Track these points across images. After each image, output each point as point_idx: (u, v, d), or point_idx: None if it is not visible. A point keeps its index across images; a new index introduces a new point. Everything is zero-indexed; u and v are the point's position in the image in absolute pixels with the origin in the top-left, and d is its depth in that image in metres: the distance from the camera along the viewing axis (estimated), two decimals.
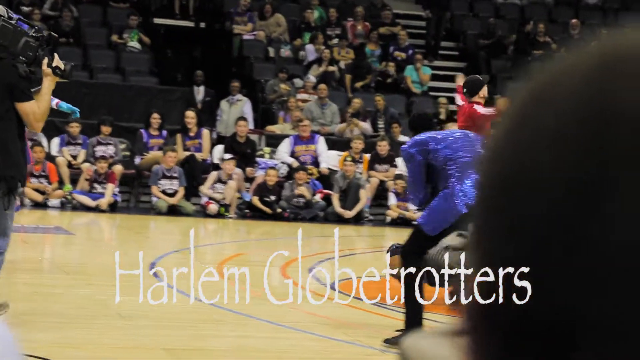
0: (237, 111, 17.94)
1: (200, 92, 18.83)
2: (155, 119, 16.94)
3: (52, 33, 5.76)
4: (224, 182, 15.90)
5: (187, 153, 16.59)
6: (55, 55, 5.73)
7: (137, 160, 16.78)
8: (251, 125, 17.79)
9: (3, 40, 5.40)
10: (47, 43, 5.59)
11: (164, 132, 17.04)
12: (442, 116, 18.35)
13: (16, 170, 5.55)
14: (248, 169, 16.40)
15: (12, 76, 5.50)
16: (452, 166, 6.65)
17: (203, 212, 15.77)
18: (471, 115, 9.60)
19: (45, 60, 5.60)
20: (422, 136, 6.77)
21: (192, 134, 16.87)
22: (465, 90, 9.86)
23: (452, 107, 18.66)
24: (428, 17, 22.14)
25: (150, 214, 15.62)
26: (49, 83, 5.63)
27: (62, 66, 5.65)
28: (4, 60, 5.53)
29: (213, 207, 15.63)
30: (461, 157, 6.67)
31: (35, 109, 5.53)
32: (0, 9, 5.61)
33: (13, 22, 5.50)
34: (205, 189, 15.80)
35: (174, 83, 20.00)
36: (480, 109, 9.76)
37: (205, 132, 17.00)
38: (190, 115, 16.90)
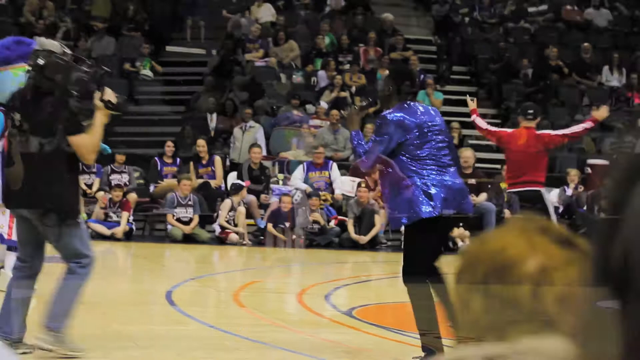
0: (250, 138, 17.99)
1: (213, 119, 18.89)
2: (169, 147, 17.01)
3: (104, 67, 6.00)
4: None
5: (201, 180, 16.63)
6: (107, 89, 5.89)
7: (152, 188, 16.83)
8: (264, 152, 17.83)
9: (55, 76, 5.56)
10: (101, 77, 5.79)
11: (178, 160, 17.09)
12: (455, 141, 18.34)
13: (62, 203, 5.74)
14: (262, 196, 16.42)
15: (64, 111, 5.68)
16: (416, 160, 6.43)
17: (218, 240, 15.78)
18: (550, 140, 9.69)
19: (97, 94, 5.77)
20: (408, 119, 6.46)
21: (204, 162, 16.92)
22: (531, 112, 9.95)
23: (466, 132, 18.68)
24: (438, 42, 22.19)
25: (165, 242, 15.64)
26: (100, 116, 5.81)
27: (114, 100, 5.80)
28: (55, 96, 5.69)
29: (233, 236, 15.62)
30: (425, 152, 6.43)
31: (88, 141, 5.72)
32: (54, 44, 5.78)
33: (66, 57, 5.65)
34: (222, 220, 15.77)
35: (186, 111, 20.07)
36: (553, 132, 9.94)
37: (217, 159, 17.05)
38: (202, 144, 16.96)
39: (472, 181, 14.59)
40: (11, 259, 7.92)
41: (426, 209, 6.34)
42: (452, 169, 6.58)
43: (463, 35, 22.37)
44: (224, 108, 18.89)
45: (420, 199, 6.36)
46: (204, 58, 21.27)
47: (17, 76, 5.62)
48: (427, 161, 6.49)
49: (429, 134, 6.53)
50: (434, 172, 6.47)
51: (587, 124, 9.83)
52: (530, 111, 10.05)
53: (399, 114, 6.51)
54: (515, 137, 9.87)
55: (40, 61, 5.57)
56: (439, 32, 22.13)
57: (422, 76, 20.64)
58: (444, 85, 21.26)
